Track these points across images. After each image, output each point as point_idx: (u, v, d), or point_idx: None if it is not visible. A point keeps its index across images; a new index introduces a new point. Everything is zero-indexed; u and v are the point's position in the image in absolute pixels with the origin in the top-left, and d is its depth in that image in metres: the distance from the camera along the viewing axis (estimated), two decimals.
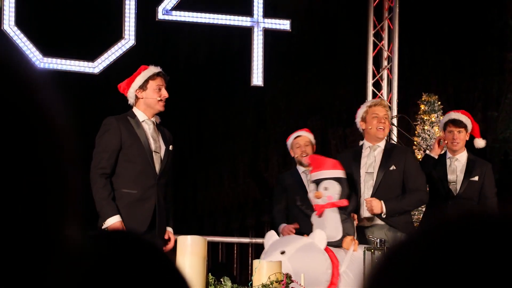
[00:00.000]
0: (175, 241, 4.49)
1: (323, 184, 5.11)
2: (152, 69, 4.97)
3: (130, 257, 1.00)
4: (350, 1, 8.65)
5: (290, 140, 6.25)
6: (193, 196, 12.12)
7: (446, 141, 6.05)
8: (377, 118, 5.57)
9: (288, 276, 4.38)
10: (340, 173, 5.21)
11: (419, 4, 8.93)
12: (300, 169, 6.19)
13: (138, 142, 4.84)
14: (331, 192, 5.10)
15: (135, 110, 4.94)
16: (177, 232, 5.12)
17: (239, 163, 11.29)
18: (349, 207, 5.23)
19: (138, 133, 4.87)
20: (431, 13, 9.16)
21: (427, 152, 6.13)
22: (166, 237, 4.97)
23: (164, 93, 4.93)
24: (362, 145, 5.70)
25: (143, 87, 4.91)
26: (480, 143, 6.12)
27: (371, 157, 5.58)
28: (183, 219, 12.55)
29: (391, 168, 5.55)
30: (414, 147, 8.82)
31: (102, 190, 4.73)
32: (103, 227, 4.63)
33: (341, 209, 5.16)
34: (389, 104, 5.81)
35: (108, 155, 4.78)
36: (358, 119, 5.70)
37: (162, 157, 4.91)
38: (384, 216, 5.44)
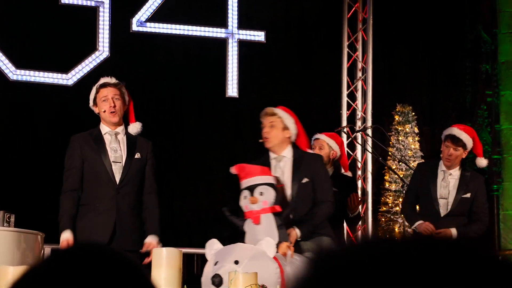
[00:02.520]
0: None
1: (258, 189, 4.99)
2: (98, 83, 5.05)
3: (99, 270, 0.99)
4: (325, 13, 8.69)
5: (313, 140, 6.25)
6: (169, 208, 12.05)
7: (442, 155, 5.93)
8: (263, 129, 5.22)
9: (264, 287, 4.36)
10: (272, 179, 5.10)
11: (393, 15, 8.99)
12: None
13: (97, 155, 4.93)
14: (267, 197, 4.99)
15: (101, 124, 5.07)
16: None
17: (215, 175, 11.27)
18: (283, 213, 5.11)
19: (97, 147, 4.96)
20: (404, 24, 9.24)
21: (414, 227, 5.94)
22: (144, 250, 4.93)
23: (109, 103, 4.96)
24: (268, 155, 5.29)
25: (95, 102, 5.04)
26: (482, 162, 5.98)
27: (278, 169, 5.22)
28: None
29: (304, 181, 5.20)
30: (388, 157, 8.86)
31: (61, 208, 4.92)
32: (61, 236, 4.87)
33: (276, 215, 5.06)
34: (274, 110, 5.21)
35: (71, 173, 4.95)
36: None
37: (123, 166, 4.94)
38: (300, 240, 5.17)
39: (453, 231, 5.76)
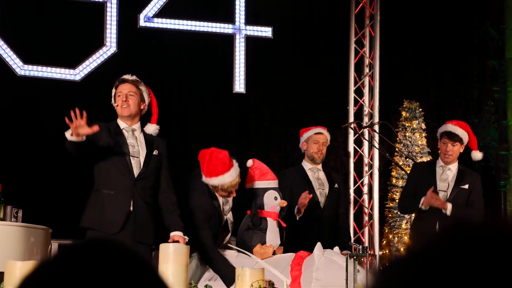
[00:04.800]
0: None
1: (279, 194, 5.09)
2: (118, 78, 5.09)
3: (109, 266, 0.99)
4: (332, 9, 8.68)
5: (308, 133, 6.17)
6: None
7: (439, 151, 6.09)
8: None
9: (270, 283, 4.36)
10: None
11: (400, 11, 8.98)
12: (307, 165, 6.12)
13: (117, 147, 4.94)
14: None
15: (118, 120, 5.11)
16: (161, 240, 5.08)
17: None
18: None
19: (116, 138, 5.00)
20: (412, 20, 9.22)
21: (420, 205, 5.98)
22: (170, 241, 4.94)
23: (122, 98, 5.02)
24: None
25: (114, 98, 5.09)
26: (477, 155, 6.10)
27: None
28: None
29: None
30: (395, 153, 8.85)
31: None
32: (67, 138, 4.57)
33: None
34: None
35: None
36: None
37: (142, 161, 4.97)
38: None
39: (449, 205, 5.85)
